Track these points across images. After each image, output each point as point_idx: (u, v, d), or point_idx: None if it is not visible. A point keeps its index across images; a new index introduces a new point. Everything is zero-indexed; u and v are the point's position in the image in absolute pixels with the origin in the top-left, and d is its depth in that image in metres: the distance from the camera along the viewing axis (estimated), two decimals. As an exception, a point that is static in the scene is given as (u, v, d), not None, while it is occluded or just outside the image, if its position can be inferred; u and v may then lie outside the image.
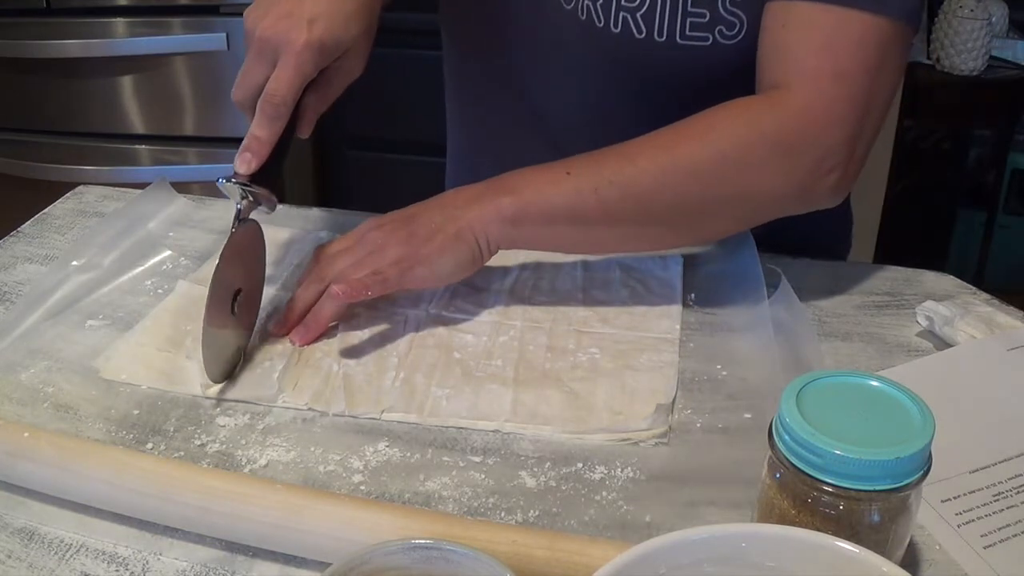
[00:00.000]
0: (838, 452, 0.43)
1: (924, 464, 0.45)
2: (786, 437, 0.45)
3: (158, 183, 0.88)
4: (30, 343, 0.69)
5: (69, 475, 0.53)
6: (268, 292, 0.75)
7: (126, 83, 1.89)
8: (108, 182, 1.00)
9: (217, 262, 0.64)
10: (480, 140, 0.95)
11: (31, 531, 0.53)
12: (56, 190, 0.93)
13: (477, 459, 0.59)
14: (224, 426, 0.61)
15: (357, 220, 0.89)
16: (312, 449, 0.59)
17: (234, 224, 0.67)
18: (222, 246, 0.65)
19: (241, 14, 0.69)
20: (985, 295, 0.76)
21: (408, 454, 0.59)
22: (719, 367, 0.67)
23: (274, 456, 0.59)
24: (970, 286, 0.78)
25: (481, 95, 0.92)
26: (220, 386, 0.64)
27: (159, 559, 0.51)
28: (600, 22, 0.75)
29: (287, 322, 0.69)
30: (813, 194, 0.69)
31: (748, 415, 0.63)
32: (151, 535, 0.53)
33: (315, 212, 0.90)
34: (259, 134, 0.66)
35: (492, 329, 0.71)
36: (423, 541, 0.44)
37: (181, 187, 0.91)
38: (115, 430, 0.61)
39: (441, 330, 0.71)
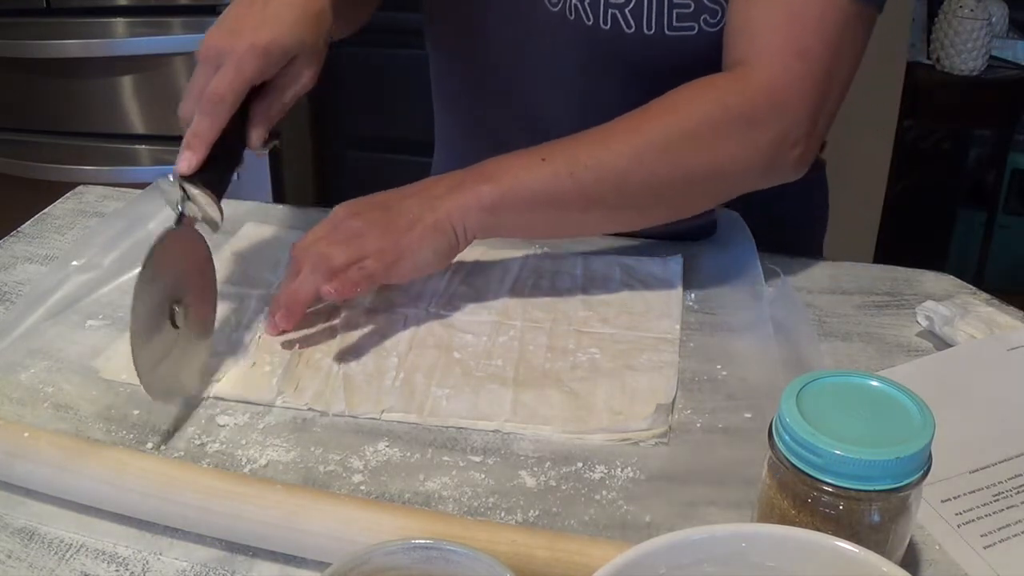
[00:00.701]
0: (838, 452, 0.43)
1: (924, 464, 0.45)
2: (786, 437, 0.45)
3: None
4: (30, 343, 0.69)
5: (69, 475, 0.53)
6: (269, 294, 0.75)
7: (126, 83, 1.89)
8: (108, 182, 1.00)
9: (141, 268, 0.60)
10: (470, 140, 0.95)
11: (31, 531, 0.53)
12: (56, 190, 0.93)
13: (477, 459, 0.59)
14: (224, 426, 0.61)
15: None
16: (312, 449, 0.59)
17: (175, 225, 0.64)
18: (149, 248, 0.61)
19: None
20: (985, 295, 0.76)
21: (408, 454, 0.59)
22: (719, 367, 0.67)
23: (274, 456, 0.59)
24: (970, 286, 0.78)
25: (469, 97, 0.93)
26: (219, 386, 0.64)
27: (159, 559, 0.51)
28: (589, 20, 0.77)
29: (272, 317, 0.69)
30: (778, 168, 0.71)
31: (748, 415, 0.63)
32: (151, 535, 0.53)
33: (315, 212, 0.90)
34: (197, 130, 0.65)
35: (492, 329, 0.71)
36: (423, 541, 0.44)
37: (181, 187, 0.91)
38: (115, 430, 0.61)
39: (441, 330, 0.71)
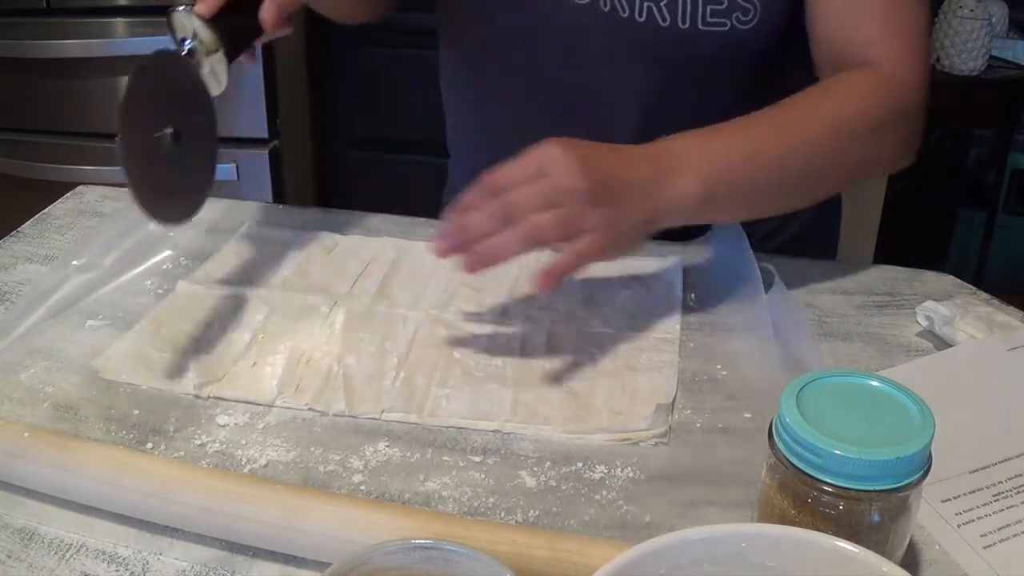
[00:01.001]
0: (838, 452, 0.43)
1: (924, 464, 0.45)
2: (786, 437, 0.45)
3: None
4: (30, 343, 0.69)
5: (69, 475, 0.53)
6: (269, 294, 0.75)
7: (126, 83, 1.89)
8: (108, 182, 1.00)
9: (132, 75, 0.58)
10: (492, 142, 0.95)
11: (31, 531, 0.53)
12: (56, 190, 0.93)
13: (477, 459, 0.59)
14: (224, 426, 0.61)
15: (357, 220, 0.88)
16: (312, 449, 0.59)
17: (179, 52, 0.63)
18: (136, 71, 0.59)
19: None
20: (985, 295, 0.76)
21: (408, 454, 0.59)
22: (719, 367, 0.67)
23: (274, 456, 0.59)
24: (970, 286, 0.78)
25: (494, 96, 0.92)
26: (219, 386, 0.64)
27: (159, 559, 0.51)
28: (624, 13, 0.77)
29: (450, 241, 0.64)
30: (905, 158, 0.77)
31: (748, 415, 0.63)
32: (151, 535, 0.53)
33: (315, 212, 0.90)
34: None
35: (492, 329, 0.71)
36: (423, 541, 0.44)
37: (181, 187, 0.91)
38: (115, 430, 0.61)
39: (441, 330, 0.71)
